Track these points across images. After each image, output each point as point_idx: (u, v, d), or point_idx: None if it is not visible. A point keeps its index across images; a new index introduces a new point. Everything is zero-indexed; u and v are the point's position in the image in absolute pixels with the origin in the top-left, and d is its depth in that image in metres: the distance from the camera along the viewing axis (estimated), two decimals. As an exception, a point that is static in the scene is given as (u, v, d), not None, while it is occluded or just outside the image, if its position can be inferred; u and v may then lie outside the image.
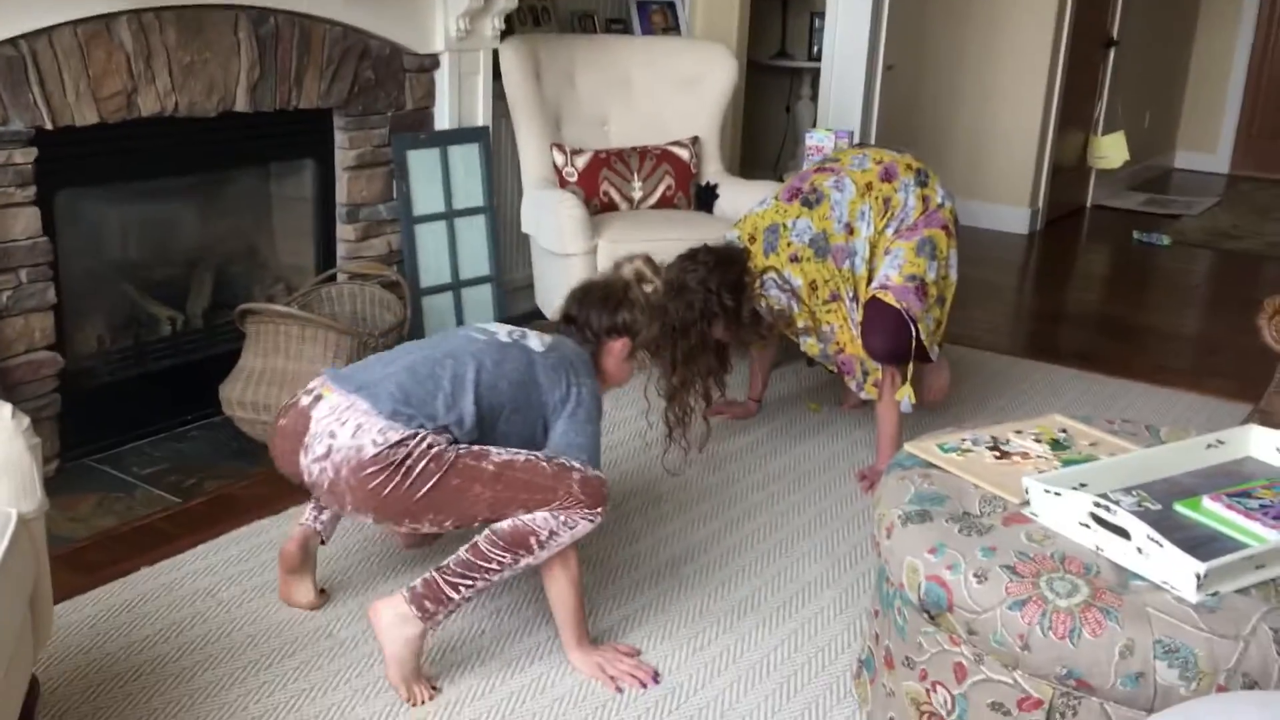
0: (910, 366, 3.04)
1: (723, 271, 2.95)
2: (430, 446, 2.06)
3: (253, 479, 3.02)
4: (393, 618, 2.11)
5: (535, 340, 2.32)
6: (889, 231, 3.06)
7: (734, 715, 2.15)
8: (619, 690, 2.21)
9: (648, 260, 2.51)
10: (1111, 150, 6.88)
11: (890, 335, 2.98)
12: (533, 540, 2.11)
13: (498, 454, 2.12)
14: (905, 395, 3.05)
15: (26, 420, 1.80)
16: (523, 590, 2.53)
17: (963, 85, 6.31)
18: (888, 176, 3.09)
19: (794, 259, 3.00)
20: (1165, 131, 8.37)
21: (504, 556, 2.11)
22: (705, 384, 2.98)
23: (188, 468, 3.08)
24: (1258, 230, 6.68)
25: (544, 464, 2.14)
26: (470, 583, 2.11)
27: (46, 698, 2.09)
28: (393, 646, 2.11)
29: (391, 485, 2.04)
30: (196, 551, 2.64)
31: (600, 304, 2.44)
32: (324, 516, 2.42)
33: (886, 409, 3.07)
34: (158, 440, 3.23)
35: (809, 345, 3.09)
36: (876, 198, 3.06)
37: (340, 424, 2.09)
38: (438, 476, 2.06)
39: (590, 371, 2.34)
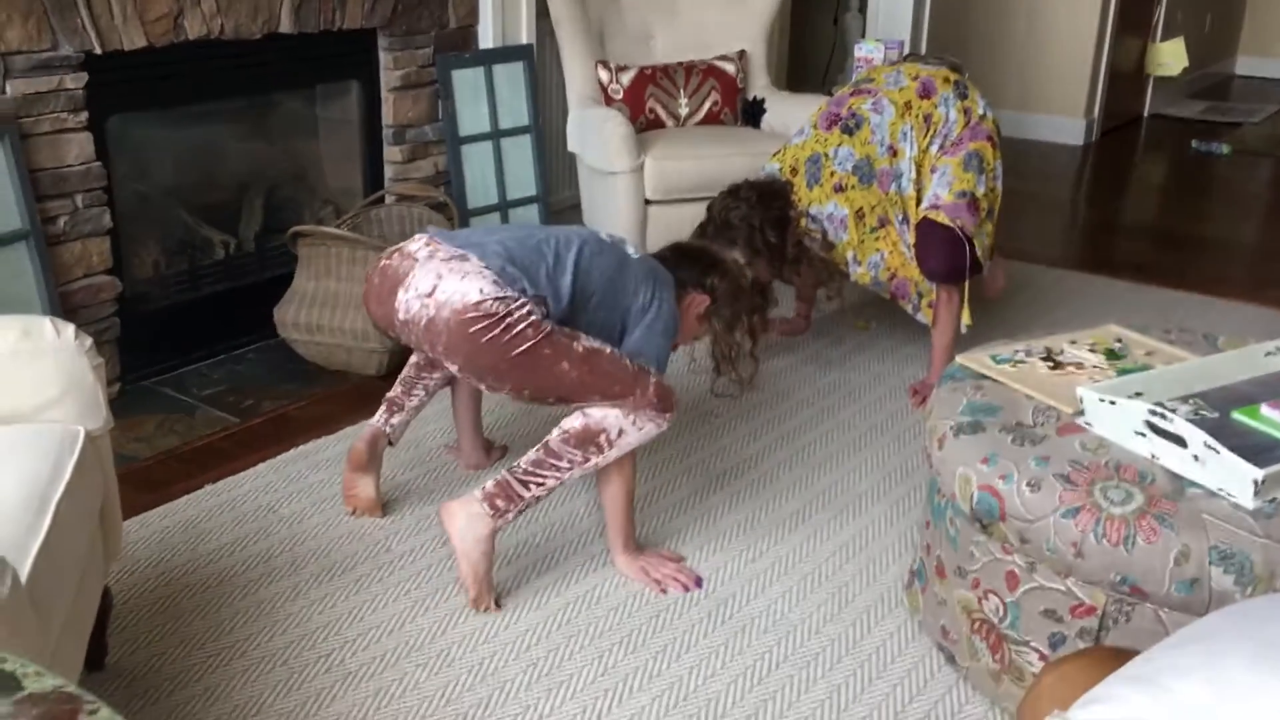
0: (967, 285, 3.00)
1: (765, 207, 2.90)
2: (530, 312, 2.08)
3: (309, 399, 3.08)
4: (465, 517, 2.15)
5: (631, 247, 2.35)
6: (933, 149, 3.01)
7: (785, 624, 2.18)
8: (663, 592, 2.25)
9: (740, 259, 2.54)
10: (1170, 57, 6.69)
11: (947, 255, 2.95)
12: (602, 438, 2.14)
13: (587, 340, 2.15)
14: (964, 317, 3.05)
15: (89, 340, 1.83)
16: (575, 505, 2.56)
17: (1016, -8, 6.15)
18: (926, 93, 3.03)
19: (839, 189, 2.96)
20: (1226, 36, 8.11)
21: (574, 454, 2.14)
22: (750, 321, 2.96)
23: (245, 389, 3.14)
24: (1322, 137, 6.50)
25: (627, 361, 2.17)
26: (541, 480, 2.15)
27: (119, 607, 2.16)
28: (464, 544, 2.15)
29: (490, 336, 2.06)
30: (257, 470, 2.70)
31: (694, 260, 2.45)
32: (395, 420, 2.49)
33: (943, 325, 3.05)
34: (216, 362, 3.29)
35: (860, 275, 3.05)
36: (917, 115, 3.00)
37: (449, 269, 2.10)
38: (533, 342, 2.07)
39: (673, 293, 2.35)
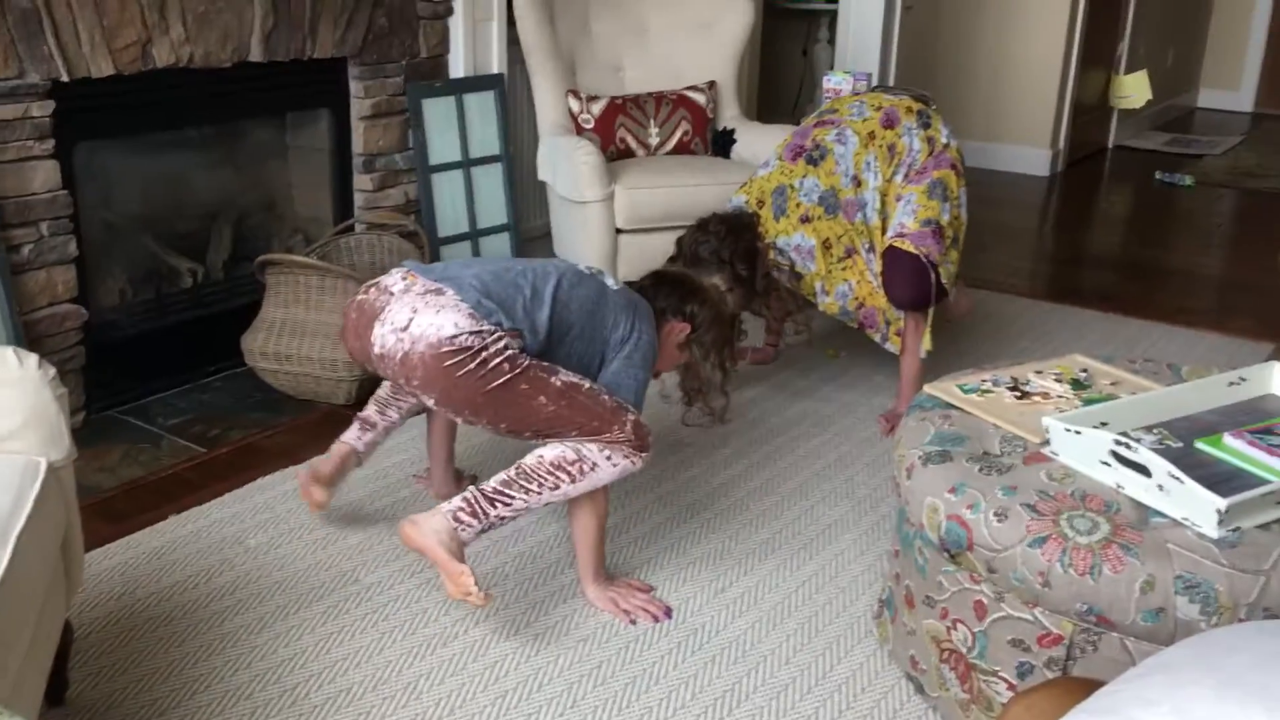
0: (932, 311, 3.03)
1: (734, 240, 2.91)
2: (506, 347, 2.08)
3: (277, 428, 3.05)
4: (429, 523, 2.08)
5: (610, 278, 2.35)
6: (898, 178, 3.04)
7: (755, 655, 2.18)
8: (633, 623, 2.25)
9: (720, 285, 2.56)
10: (1134, 89, 6.79)
11: (912, 283, 2.97)
12: (575, 468, 2.13)
13: (565, 375, 2.14)
14: (925, 341, 3.06)
15: (53, 370, 1.81)
16: (546, 535, 2.55)
17: (982, 25, 6.23)
18: (889, 123, 3.07)
19: (805, 219, 2.98)
20: (1188, 70, 8.25)
21: (546, 479, 2.13)
22: (720, 355, 2.97)
23: (212, 418, 3.11)
24: (1282, 169, 6.60)
25: (605, 396, 2.17)
26: (509, 500, 2.12)
27: (80, 642, 2.13)
28: (433, 536, 2.06)
29: (465, 370, 2.05)
30: (223, 500, 2.67)
31: (674, 287, 2.46)
32: (366, 437, 2.48)
33: (910, 354, 3.07)
34: (182, 391, 3.26)
35: (828, 305, 3.07)
36: (881, 145, 3.03)
37: (424, 303, 2.10)
38: (509, 376, 2.07)
39: (653, 324, 2.35)
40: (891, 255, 2.99)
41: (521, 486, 2.13)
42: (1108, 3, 6.44)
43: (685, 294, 2.44)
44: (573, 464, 2.13)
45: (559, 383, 2.12)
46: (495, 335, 2.08)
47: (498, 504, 2.12)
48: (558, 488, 2.14)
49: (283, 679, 2.07)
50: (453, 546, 2.08)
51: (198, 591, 2.32)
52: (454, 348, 2.05)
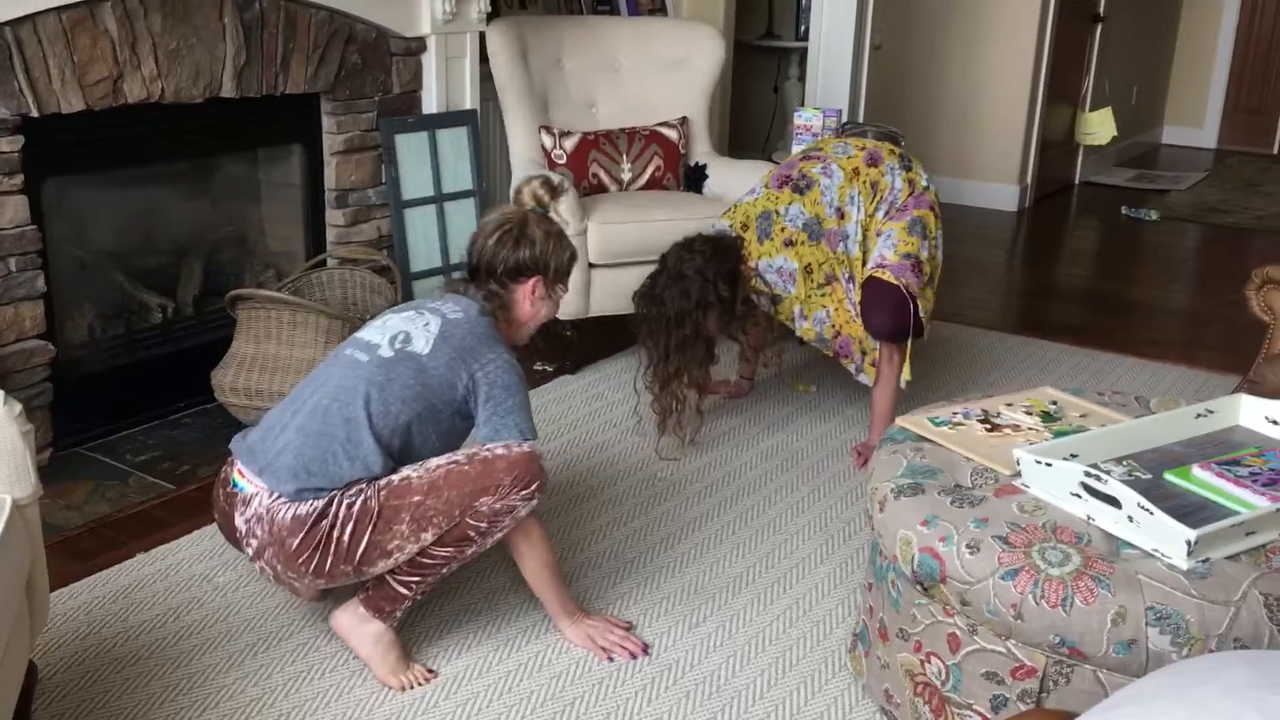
0: (910, 344, 3.05)
1: (719, 261, 2.94)
2: (349, 508, 2.02)
3: (246, 465, 3.02)
4: (353, 621, 2.14)
5: (421, 341, 2.17)
6: (879, 214, 3.08)
7: (730, 690, 2.16)
8: (609, 660, 2.23)
9: (545, 182, 2.38)
10: (1099, 126, 6.89)
11: (891, 313, 3.00)
12: (473, 533, 2.08)
13: (418, 476, 2.06)
14: (904, 373, 3.08)
15: (19, 406, 1.80)
16: (518, 571, 2.53)
17: (950, 64, 6.31)
18: (873, 161, 3.12)
19: (789, 243, 3.01)
20: (1153, 107, 8.38)
21: (449, 551, 2.09)
22: (694, 374, 2.98)
23: (181, 454, 3.08)
24: (1245, 204, 6.70)
25: (465, 466, 2.07)
26: (420, 579, 2.11)
27: (44, 683, 2.09)
28: (364, 648, 2.14)
29: (329, 558, 2.03)
30: (191, 537, 2.64)
31: (497, 244, 2.27)
32: None
33: (884, 386, 3.08)
34: (150, 428, 3.23)
35: (804, 330, 3.10)
36: (864, 182, 3.08)
37: (258, 523, 2.06)
38: (368, 533, 2.02)
39: (493, 343, 2.20)
40: (872, 285, 3.02)
41: (427, 565, 2.10)
42: (1073, 41, 6.54)
43: (513, 245, 2.27)
44: (470, 530, 2.08)
45: (416, 495, 2.04)
46: (333, 508, 2.02)
47: (411, 585, 2.12)
48: (465, 553, 2.11)
49: (251, 718, 2.04)
50: (382, 654, 2.13)
51: (165, 630, 2.29)
52: (306, 552, 2.02)
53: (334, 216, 3.68)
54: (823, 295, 3.04)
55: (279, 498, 2.04)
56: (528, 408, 2.20)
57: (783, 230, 3.01)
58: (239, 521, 2.11)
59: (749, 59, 6.15)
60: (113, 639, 2.26)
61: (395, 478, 2.07)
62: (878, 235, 3.07)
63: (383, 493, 2.04)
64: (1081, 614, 1.67)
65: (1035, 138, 6.37)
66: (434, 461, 2.10)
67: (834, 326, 3.06)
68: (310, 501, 2.02)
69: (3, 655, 1.64)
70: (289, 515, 2.03)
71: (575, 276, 3.67)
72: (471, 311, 2.24)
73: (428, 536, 2.06)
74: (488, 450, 2.11)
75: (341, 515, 2.02)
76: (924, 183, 3.15)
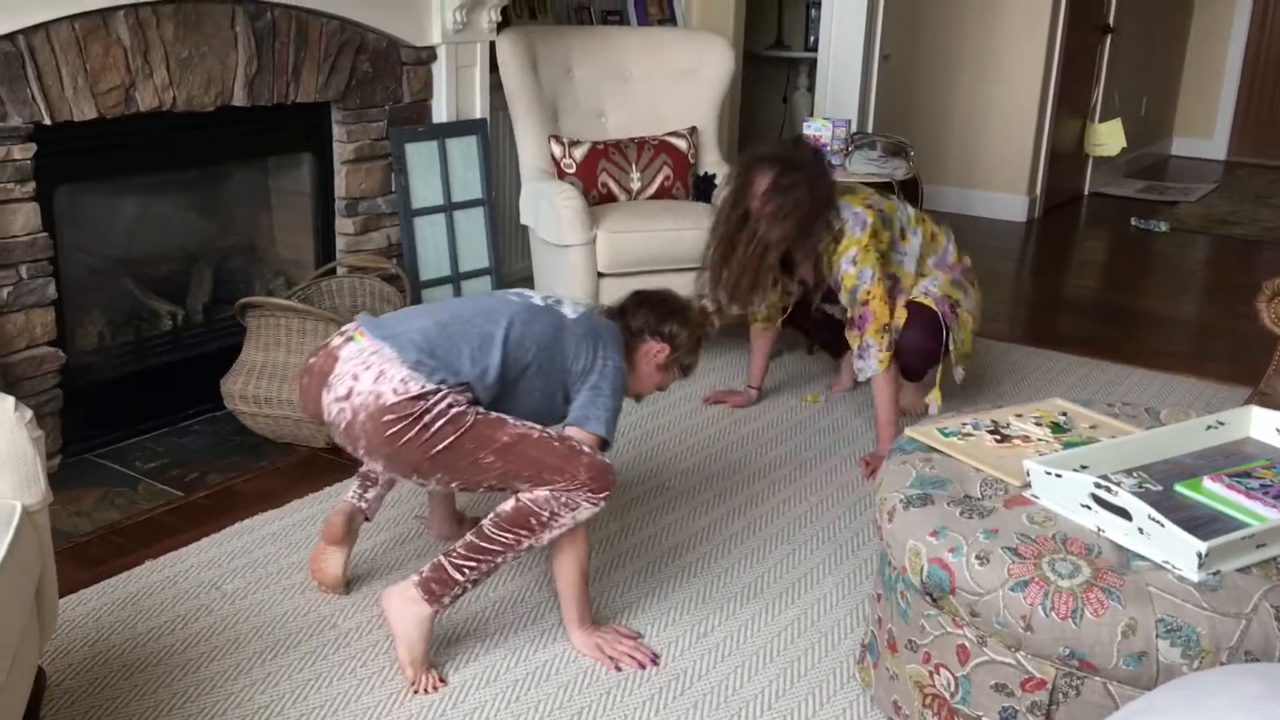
0: (939, 370, 3.15)
1: (823, 184, 3.04)
2: (450, 406, 2.07)
3: (255, 472, 3.03)
4: (401, 601, 2.14)
5: (569, 307, 2.33)
6: (930, 261, 3.24)
7: (738, 700, 2.16)
8: (618, 669, 2.23)
9: (718, 312, 2.62)
10: (1109, 137, 6.89)
11: (926, 333, 3.10)
12: (534, 521, 2.12)
13: (514, 425, 2.12)
14: (934, 398, 3.17)
15: (29, 413, 1.80)
16: (527, 580, 2.53)
17: (959, 74, 6.31)
18: (937, 221, 3.33)
19: (868, 205, 3.11)
20: (1162, 118, 8.37)
21: (506, 536, 2.12)
22: (757, 276, 3.01)
23: (190, 462, 3.09)
24: (1255, 216, 6.69)
25: (556, 443, 2.14)
26: (474, 564, 2.12)
27: (53, 689, 2.10)
28: (402, 626, 2.14)
29: (407, 437, 2.05)
30: (200, 545, 2.64)
31: (652, 308, 2.44)
32: (369, 494, 2.47)
33: (882, 391, 3.09)
34: (160, 435, 3.24)
35: (846, 276, 3.06)
36: (928, 230, 3.25)
37: (364, 368, 2.09)
38: (453, 438, 2.06)
39: (619, 349, 2.33)
40: (913, 307, 3.12)
41: (484, 550, 2.12)
42: (1082, 52, 6.54)
43: (664, 314, 2.42)
44: (531, 517, 2.12)
45: (506, 438, 2.10)
46: (437, 396, 2.07)
47: (465, 569, 2.13)
48: (520, 543, 2.13)
49: (259, 727, 2.04)
50: (415, 640, 2.14)
51: (173, 637, 2.29)
52: (394, 416, 2.05)
53: (344, 225, 3.69)
54: (876, 261, 3.06)
55: (398, 361, 2.08)
56: (618, 415, 2.30)
57: (864, 199, 3.13)
58: (337, 368, 2.12)
59: (758, 69, 6.16)
60: (121, 645, 2.26)
61: (495, 414, 2.13)
62: (923, 276, 3.21)
63: (480, 416, 2.10)
64: (1091, 626, 1.66)
65: (1044, 149, 6.36)
66: (531, 423, 2.16)
67: (868, 294, 3.06)
68: (421, 381, 2.07)
69: (12, 661, 1.65)
70: (399, 377, 2.06)
71: (585, 286, 3.71)
72: (610, 324, 2.39)
73: (489, 480, 2.11)
74: (577, 442, 2.17)
75: (440, 408, 2.06)
76: (967, 261, 3.35)
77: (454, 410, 2.07)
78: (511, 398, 2.19)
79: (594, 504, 2.15)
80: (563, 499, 2.12)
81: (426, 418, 2.05)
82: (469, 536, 2.14)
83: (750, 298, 3.11)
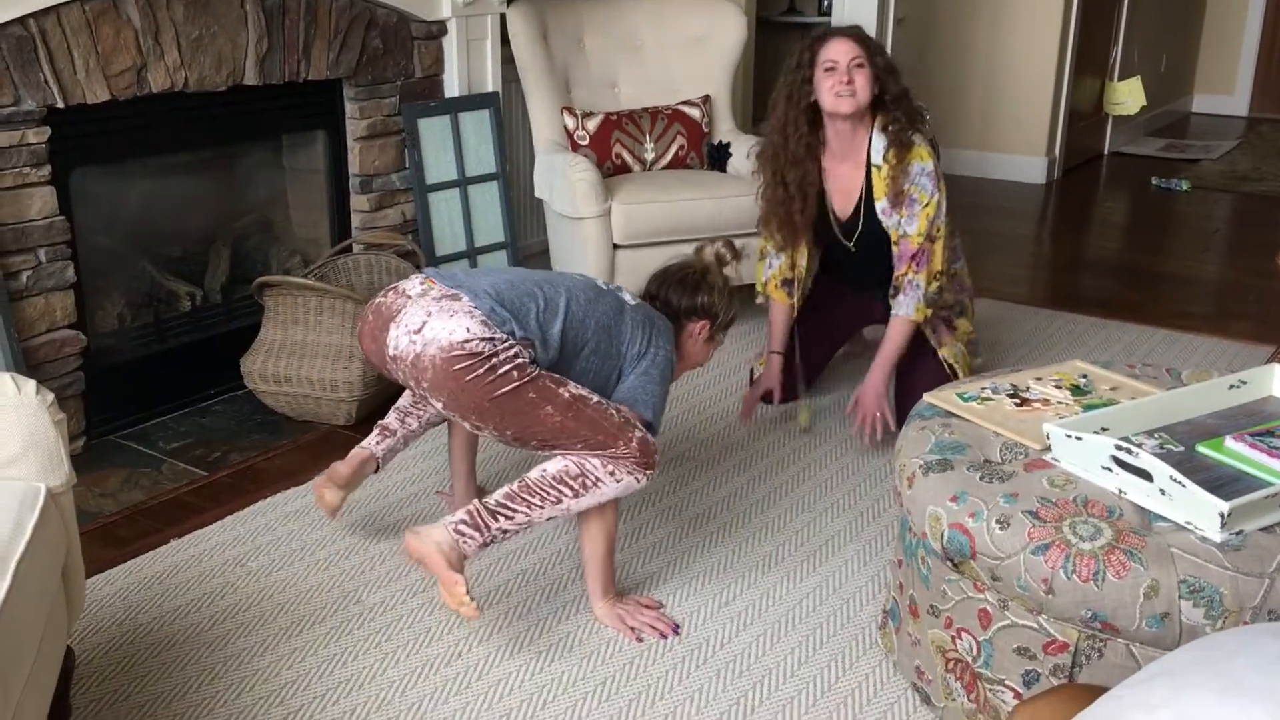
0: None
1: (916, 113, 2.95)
2: (517, 355, 2.09)
3: (276, 451, 3.05)
4: (431, 533, 2.10)
5: (629, 295, 2.37)
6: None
7: (760, 668, 2.17)
8: (639, 640, 2.24)
9: (728, 244, 2.52)
10: (1128, 96, 6.80)
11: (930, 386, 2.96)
12: (578, 482, 2.13)
13: (574, 387, 2.15)
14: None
15: (51, 396, 1.81)
16: (549, 552, 2.55)
17: (975, 36, 6.24)
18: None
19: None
20: (1182, 75, 8.27)
21: (548, 492, 2.12)
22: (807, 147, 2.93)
23: (212, 441, 3.11)
24: (1277, 173, 6.60)
25: (613, 411, 2.16)
26: (511, 514, 2.12)
27: (82, 668, 2.12)
28: (434, 546, 2.07)
29: (474, 375, 2.05)
30: (224, 523, 2.66)
31: (679, 285, 2.46)
32: (384, 444, 2.51)
33: (900, 334, 2.93)
34: (181, 415, 3.26)
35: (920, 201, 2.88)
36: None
37: (439, 308, 2.11)
38: (517, 384, 2.07)
39: (671, 339, 2.37)
40: (934, 367, 3.02)
41: (524, 500, 2.13)
42: (1100, 10, 6.46)
43: (693, 288, 2.45)
44: (575, 479, 2.13)
45: (567, 394, 2.12)
46: (506, 343, 2.09)
47: (500, 517, 2.12)
48: (560, 501, 2.14)
49: (287, 701, 2.07)
50: (452, 557, 2.09)
51: (200, 615, 2.32)
52: (464, 352, 2.05)
53: (358, 202, 3.69)
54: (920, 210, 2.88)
55: (472, 306, 2.11)
56: (664, 403, 2.32)
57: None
58: (410, 306, 2.14)
59: (771, 36, 6.11)
60: (148, 624, 2.29)
61: (557, 375, 2.15)
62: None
63: (545, 372, 2.13)
64: (1114, 588, 1.66)
65: (1063, 109, 6.29)
66: (592, 390, 2.19)
67: (939, 230, 2.87)
68: (494, 328, 2.09)
69: (41, 641, 1.67)
70: (473, 319, 2.08)
71: (600, 259, 3.70)
72: (664, 317, 2.42)
73: (543, 434, 2.11)
74: (631, 415, 2.19)
75: (508, 356, 2.08)
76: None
77: (521, 359, 2.09)
78: (569, 374, 2.20)
79: (638, 479, 2.16)
80: (609, 466, 2.13)
81: (494, 360, 2.06)
82: (509, 486, 2.14)
83: (798, 191, 2.92)
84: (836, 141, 2.95)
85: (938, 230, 2.88)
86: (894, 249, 2.94)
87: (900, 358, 2.99)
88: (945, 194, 2.91)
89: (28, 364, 2.80)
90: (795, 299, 3.16)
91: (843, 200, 3.02)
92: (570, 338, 2.20)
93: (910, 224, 2.89)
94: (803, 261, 3.13)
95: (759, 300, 3.24)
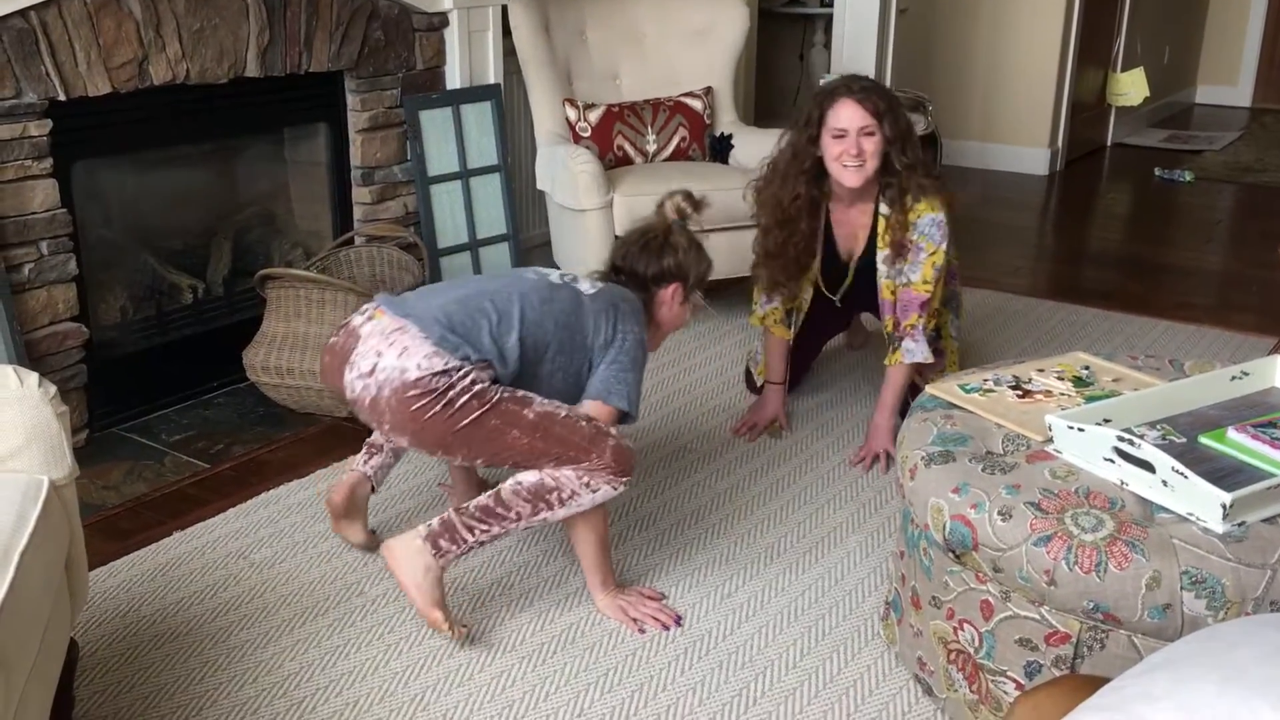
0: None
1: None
2: (474, 383, 2.07)
3: (279, 443, 3.05)
4: (406, 551, 2.13)
5: (586, 284, 2.32)
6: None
7: (762, 660, 2.17)
8: (641, 632, 2.24)
9: (687, 196, 2.47)
10: (1131, 87, 6.79)
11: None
12: (554, 496, 2.12)
13: (540, 404, 2.12)
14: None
15: (53, 388, 1.82)
16: (550, 544, 2.55)
17: (978, 26, 6.23)
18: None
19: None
20: (1185, 66, 8.25)
21: (524, 507, 2.12)
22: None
23: (215, 434, 3.11)
24: (1281, 163, 6.60)
25: (583, 424, 2.14)
26: (487, 527, 2.13)
27: (85, 660, 2.13)
28: (412, 576, 2.12)
29: (432, 413, 2.04)
30: (227, 515, 2.67)
31: (641, 252, 2.42)
32: (374, 461, 2.48)
33: (904, 378, 2.92)
34: (184, 407, 3.26)
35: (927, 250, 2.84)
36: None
37: (388, 344, 2.09)
38: (478, 414, 2.06)
39: (638, 318, 2.32)
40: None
41: (498, 516, 2.13)
42: (1103, 2, 6.44)
43: (657, 252, 2.40)
44: (550, 492, 2.12)
45: (532, 415, 2.10)
46: (461, 372, 2.06)
47: (476, 530, 2.13)
48: (537, 514, 2.14)
49: (290, 693, 2.07)
50: (427, 587, 2.12)
51: (203, 607, 2.32)
52: (419, 391, 2.04)
53: (360, 194, 3.69)
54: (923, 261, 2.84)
55: (422, 337, 2.08)
56: (640, 387, 2.29)
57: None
58: (360, 345, 2.13)
59: (774, 27, 6.10)
60: (151, 616, 2.29)
61: (521, 392, 2.13)
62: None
63: (505, 393, 2.10)
64: (1115, 579, 1.66)
65: (1066, 100, 6.28)
66: (559, 402, 2.16)
67: (939, 276, 2.83)
68: (445, 357, 2.07)
69: (44, 632, 1.67)
70: (423, 353, 2.06)
71: (602, 250, 3.69)
72: (630, 294, 2.36)
73: (514, 457, 2.10)
74: (603, 424, 2.17)
75: (464, 384, 2.06)
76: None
77: (478, 386, 2.07)
78: (537, 379, 2.19)
79: (614, 487, 2.15)
80: (585, 479, 2.12)
81: (451, 393, 2.05)
82: (484, 499, 2.14)
83: (796, 223, 2.87)
84: (843, 190, 2.89)
85: (938, 276, 2.83)
86: (883, 299, 2.90)
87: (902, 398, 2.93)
88: (952, 244, 2.86)
89: (30, 357, 2.80)
90: (793, 330, 3.12)
91: (848, 243, 2.97)
92: (530, 344, 2.17)
93: (914, 271, 2.84)
94: (806, 294, 3.07)
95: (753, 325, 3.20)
